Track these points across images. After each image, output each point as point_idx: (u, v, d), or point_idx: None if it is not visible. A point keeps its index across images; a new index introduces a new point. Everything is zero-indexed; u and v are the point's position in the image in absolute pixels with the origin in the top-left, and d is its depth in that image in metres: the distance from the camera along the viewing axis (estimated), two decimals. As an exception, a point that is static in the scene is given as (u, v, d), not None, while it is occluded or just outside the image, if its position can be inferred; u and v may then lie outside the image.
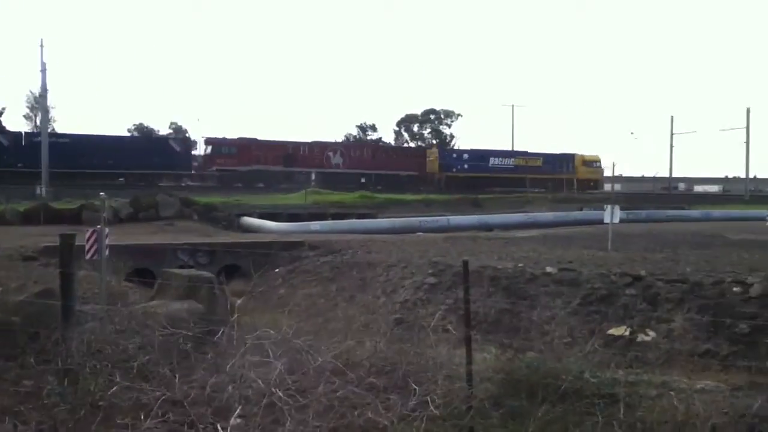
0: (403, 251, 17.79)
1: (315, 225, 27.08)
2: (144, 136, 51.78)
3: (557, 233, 25.51)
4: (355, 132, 78.87)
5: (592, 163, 59.34)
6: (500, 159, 55.95)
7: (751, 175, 67.74)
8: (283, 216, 30.74)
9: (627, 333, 11.19)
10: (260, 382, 4.57)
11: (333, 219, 30.32)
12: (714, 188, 75.86)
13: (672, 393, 5.78)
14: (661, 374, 7.09)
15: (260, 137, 48.94)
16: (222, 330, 5.79)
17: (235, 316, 5.29)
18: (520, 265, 14.52)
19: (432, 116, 78.96)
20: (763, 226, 16.97)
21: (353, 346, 6.31)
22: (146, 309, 8.60)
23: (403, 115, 79.85)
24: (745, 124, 64.17)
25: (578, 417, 5.40)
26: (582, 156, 59.33)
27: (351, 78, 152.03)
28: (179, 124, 74.26)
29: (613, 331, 11.30)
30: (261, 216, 29.86)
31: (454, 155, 56.82)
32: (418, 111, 79.91)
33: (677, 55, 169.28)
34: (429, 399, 4.76)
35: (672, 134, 66.60)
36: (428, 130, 79.52)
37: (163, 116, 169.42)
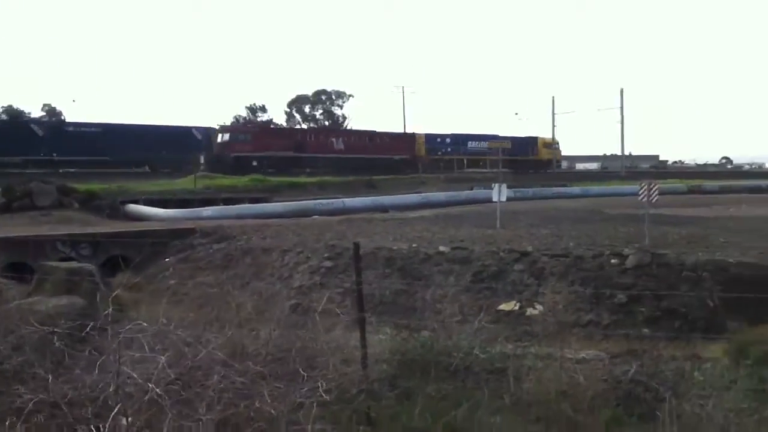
0: (298, 235, 17.57)
1: (207, 211, 26.15)
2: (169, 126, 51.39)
3: (449, 212, 26.13)
4: (244, 113, 76.52)
5: (552, 145, 64.48)
6: (476, 142, 57.68)
7: (626, 153, 72.97)
8: (172, 202, 29.51)
9: (516, 308, 11.64)
10: (138, 378, 4.32)
11: (225, 204, 29.46)
12: (593, 166, 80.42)
13: (557, 363, 6.03)
14: (548, 346, 7.38)
15: (272, 125, 54.10)
16: (94, 324, 5.42)
17: (109, 309, 4.94)
18: (414, 245, 14.73)
19: (323, 97, 77.97)
20: (636, 200, 18.12)
21: (246, 334, 6.13)
22: (21, 306, 7.97)
23: (293, 96, 78.75)
24: (620, 104, 68.89)
25: (468, 392, 5.52)
26: (543, 139, 63.57)
27: (238, 58, 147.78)
28: (53, 105, 69.38)
29: (503, 307, 11.72)
30: (148, 203, 28.51)
31: (438, 139, 58.86)
32: (309, 92, 78.97)
33: (558, 39, 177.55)
34: (320, 384, 4.68)
35: (554, 114, 70.32)
36: (320, 111, 78.62)
37: (36, 98, 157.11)
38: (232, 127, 51.43)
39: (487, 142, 51.52)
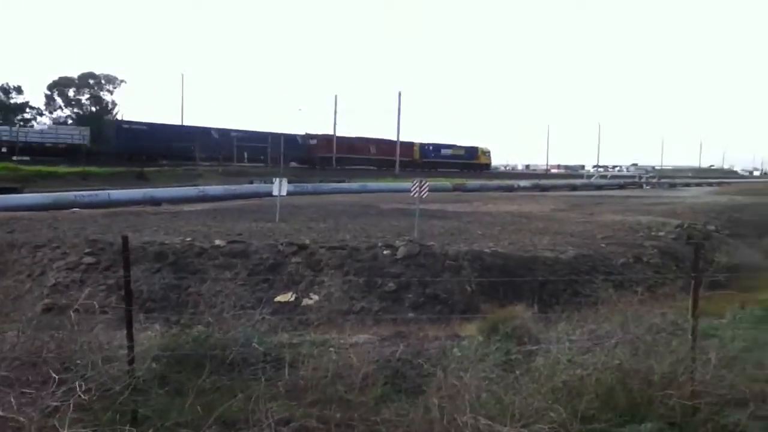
0: (54, 229, 15.88)
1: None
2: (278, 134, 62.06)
3: (228, 206, 25.53)
4: (-8, 94, 67.12)
5: (487, 153, 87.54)
6: (446, 150, 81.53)
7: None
8: None
9: (293, 298, 11.72)
10: None
11: (-38, 195, 25.57)
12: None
13: (331, 349, 6.15)
14: (323, 334, 7.52)
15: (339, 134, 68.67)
16: None
17: None
18: (188, 239, 14.11)
19: (91, 81, 70.92)
20: (409, 196, 19.35)
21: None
22: None
23: (56, 78, 70.67)
24: (398, 106, 74.65)
25: (245, 383, 5.40)
26: (481, 148, 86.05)
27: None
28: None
29: (280, 298, 11.73)
30: None
31: (429, 147, 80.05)
32: (75, 74, 71.45)
33: (341, 41, 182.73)
34: (78, 386, 4.23)
35: (336, 112, 73.19)
36: (87, 95, 71.44)
37: None
38: (316, 135, 68.08)
39: (451, 150, 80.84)
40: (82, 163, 43.37)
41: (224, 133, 58.49)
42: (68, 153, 47.60)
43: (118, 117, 66.86)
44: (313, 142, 66.81)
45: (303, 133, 68.13)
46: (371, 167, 66.17)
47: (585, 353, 5.37)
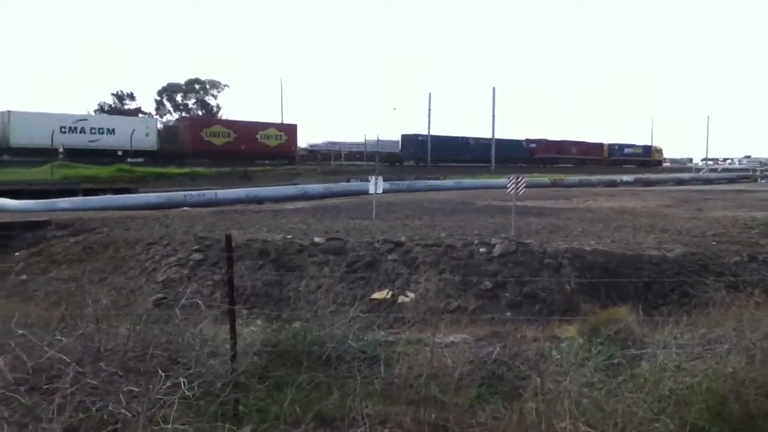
0: (166, 227, 16.81)
1: (63, 202, 24.32)
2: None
3: (326, 204, 26.09)
4: (110, 101, 72.07)
5: (659, 151, 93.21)
6: (628, 149, 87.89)
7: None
8: (25, 193, 27.20)
9: (389, 296, 11.80)
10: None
11: (85, 195, 27.56)
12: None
13: (426, 348, 6.14)
14: (418, 332, 7.52)
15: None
16: None
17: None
18: (288, 236, 14.54)
19: (197, 86, 74.72)
20: (505, 193, 19.04)
21: (102, 332, 5.72)
22: None
23: (164, 84, 75.01)
24: (492, 102, 73.74)
25: (341, 380, 5.49)
26: (654, 146, 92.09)
27: (104, 41, 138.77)
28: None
29: (376, 296, 11.84)
30: (-5, 193, 26.15)
31: (615, 147, 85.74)
32: (182, 80, 75.56)
33: (435, 35, 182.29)
34: (182, 381, 4.44)
35: (430, 110, 72.83)
36: (193, 100, 75.39)
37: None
38: (536, 140, 78.01)
39: (631, 149, 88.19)
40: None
41: (478, 141, 71.84)
42: (389, 161, 63.85)
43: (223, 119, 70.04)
44: (533, 145, 77.95)
45: (524, 138, 79.71)
46: (571, 165, 75.99)
47: (694, 359, 5.07)
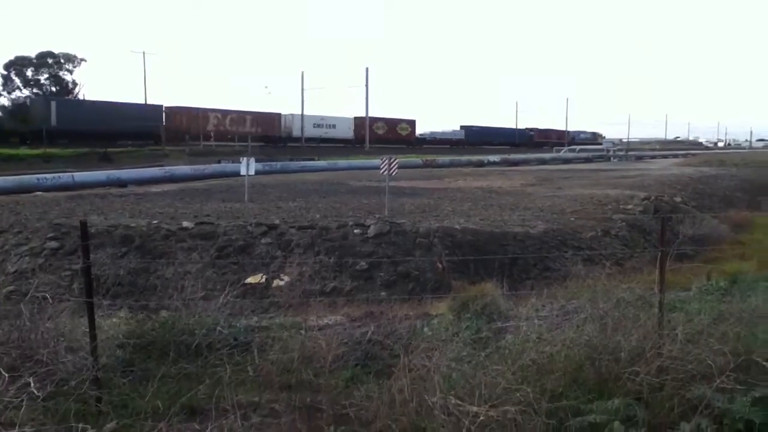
0: (16, 215, 15.45)
1: None
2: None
3: (196, 187, 25.14)
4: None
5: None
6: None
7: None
8: None
9: (263, 280, 11.59)
10: None
11: None
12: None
13: (302, 332, 6.06)
14: (294, 316, 7.43)
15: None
16: None
17: None
18: (154, 221, 13.86)
19: (50, 60, 68.91)
20: (379, 174, 19.27)
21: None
22: None
23: (12, 57, 68.50)
24: (365, 82, 74.06)
25: (211, 369, 5.30)
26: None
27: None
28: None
29: (250, 280, 11.59)
30: None
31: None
32: (32, 53, 69.34)
33: (309, 16, 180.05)
34: (32, 380, 4.09)
35: (303, 90, 72.15)
36: (46, 75, 69.37)
37: None
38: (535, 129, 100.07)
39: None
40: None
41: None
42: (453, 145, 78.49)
43: (80, 96, 65.39)
44: (532, 133, 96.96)
45: (524, 127, 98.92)
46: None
47: (554, 330, 5.37)
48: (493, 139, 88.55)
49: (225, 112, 61.20)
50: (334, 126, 69.40)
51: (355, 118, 72.36)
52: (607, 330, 4.95)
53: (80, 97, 65.25)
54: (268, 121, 63.87)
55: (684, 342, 4.58)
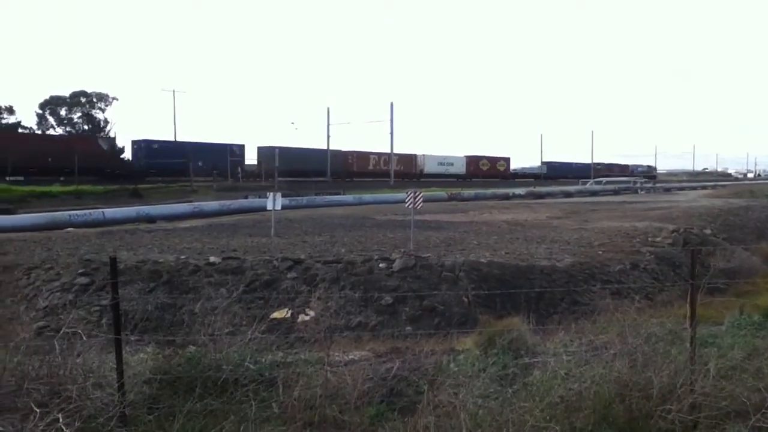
0: (48, 250, 15.75)
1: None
2: None
3: (222, 222, 25.42)
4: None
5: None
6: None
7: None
8: None
9: (288, 315, 11.60)
10: None
11: (-46, 217, 25.41)
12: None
13: (326, 368, 6.05)
14: (319, 351, 7.42)
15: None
16: None
17: None
18: (182, 257, 14.02)
19: (83, 99, 70.83)
20: (404, 207, 19.31)
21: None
22: None
23: (47, 97, 70.67)
24: (390, 117, 74.58)
25: (237, 405, 5.29)
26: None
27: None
28: None
29: (275, 315, 11.61)
30: None
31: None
32: (66, 93, 71.45)
33: (334, 51, 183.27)
34: (61, 416, 4.13)
35: (329, 125, 73.09)
36: (78, 114, 71.34)
37: None
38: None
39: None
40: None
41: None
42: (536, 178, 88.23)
43: (111, 134, 67.14)
44: (599, 167, 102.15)
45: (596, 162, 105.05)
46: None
47: (583, 366, 5.28)
48: (569, 173, 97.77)
49: (380, 155, 74.28)
50: (452, 164, 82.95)
51: (466, 156, 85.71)
52: (637, 366, 4.86)
53: (111, 134, 66.84)
54: (408, 161, 76.71)
55: (717, 378, 4.48)
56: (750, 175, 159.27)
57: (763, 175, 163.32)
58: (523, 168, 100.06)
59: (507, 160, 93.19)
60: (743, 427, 4.00)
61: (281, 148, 62.60)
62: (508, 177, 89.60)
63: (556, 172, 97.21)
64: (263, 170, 59.95)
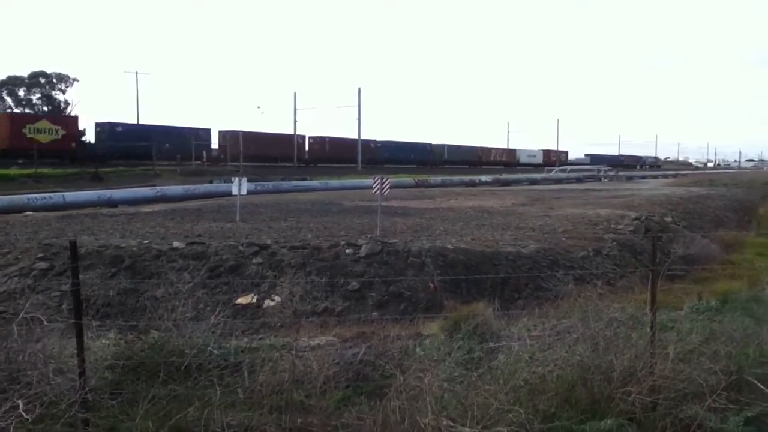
0: (5, 234, 15.35)
1: None
2: None
3: (187, 207, 25.05)
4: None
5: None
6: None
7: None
8: None
9: (254, 300, 11.52)
10: None
11: None
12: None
13: (292, 353, 6.03)
14: (284, 336, 7.38)
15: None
16: None
17: None
18: (145, 242, 13.78)
19: (42, 80, 68.89)
20: (371, 194, 19.29)
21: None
22: None
23: (4, 77, 68.56)
24: (357, 102, 74.30)
25: (201, 390, 5.24)
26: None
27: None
28: None
29: (240, 300, 11.52)
30: None
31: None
32: (24, 73, 69.35)
33: (302, 38, 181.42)
34: (21, 402, 4.04)
35: (295, 110, 72.48)
36: (38, 95, 69.38)
37: None
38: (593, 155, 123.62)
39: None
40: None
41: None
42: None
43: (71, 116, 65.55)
44: (623, 158, 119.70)
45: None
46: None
47: (546, 350, 5.36)
48: (607, 162, 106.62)
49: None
50: (535, 156, 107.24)
51: (543, 150, 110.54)
52: (598, 350, 4.95)
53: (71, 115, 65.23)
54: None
55: (676, 361, 4.59)
56: (710, 165, 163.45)
57: (722, 164, 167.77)
58: (570, 160, 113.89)
59: (565, 153, 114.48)
60: (700, 408, 4.11)
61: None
62: (513, 164, 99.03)
63: (598, 162, 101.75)
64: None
